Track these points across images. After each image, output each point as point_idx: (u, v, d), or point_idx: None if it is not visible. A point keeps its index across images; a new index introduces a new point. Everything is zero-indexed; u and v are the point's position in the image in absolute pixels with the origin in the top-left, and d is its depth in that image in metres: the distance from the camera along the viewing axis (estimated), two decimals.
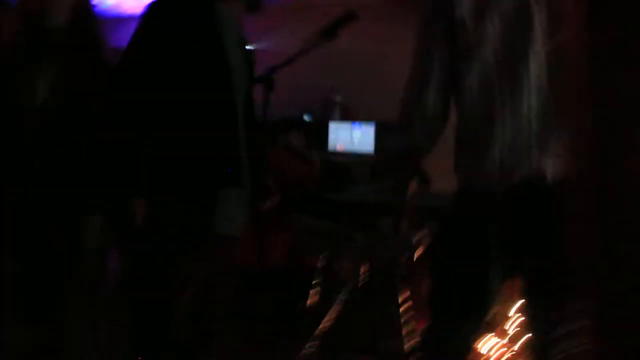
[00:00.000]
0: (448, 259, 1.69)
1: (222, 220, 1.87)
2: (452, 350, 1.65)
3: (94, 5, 2.02)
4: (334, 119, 4.03)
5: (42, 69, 1.78)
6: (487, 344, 3.16)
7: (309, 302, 3.19)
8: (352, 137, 3.98)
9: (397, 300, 2.82)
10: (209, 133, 1.80)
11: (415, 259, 2.71)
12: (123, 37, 1.94)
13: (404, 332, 2.74)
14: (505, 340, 3.04)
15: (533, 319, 1.71)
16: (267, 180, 3.00)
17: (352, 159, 3.87)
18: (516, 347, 2.49)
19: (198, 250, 1.84)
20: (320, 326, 3.00)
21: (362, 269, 3.30)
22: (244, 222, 2.00)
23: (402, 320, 2.78)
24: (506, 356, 3.01)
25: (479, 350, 3.14)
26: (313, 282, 3.23)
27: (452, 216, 1.70)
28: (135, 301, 1.86)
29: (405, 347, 2.65)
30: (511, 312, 3.13)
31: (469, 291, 1.61)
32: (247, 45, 2.05)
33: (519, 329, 2.95)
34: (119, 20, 4.50)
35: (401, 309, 2.81)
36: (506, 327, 3.05)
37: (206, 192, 1.83)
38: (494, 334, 3.17)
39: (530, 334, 1.76)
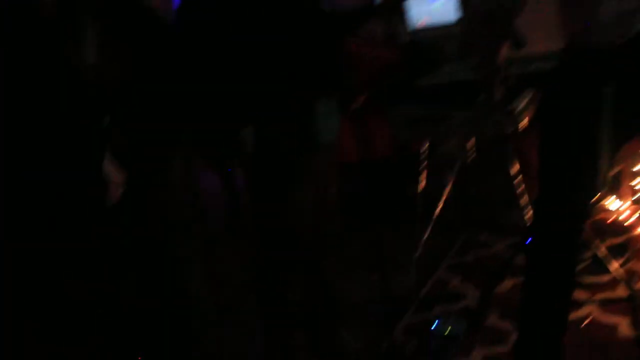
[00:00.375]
0: (556, 124, 1.60)
1: (318, 130, 1.89)
2: (568, 217, 1.60)
3: None
4: None
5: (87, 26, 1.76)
6: (613, 204, 3.04)
7: (420, 187, 3.21)
8: (432, 8, 3.73)
9: (509, 173, 2.75)
10: (283, 47, 1.76)
11: (520, 129, 2.59)
12: None
13: (520, 204, 2.69)
14: (633, 199, 2.91)
15: None
16: (350, 81, 2.94)
17: (438, 32, 3.66)
18: None
19: (306, 164, 1.89)
20: (437, 209, 3.03)
21: (468, 147, 3.23)
22: (337, 127, 2.00)
23: (517, 193, 2.72)
24: (636, 215, 2.90)
25: (606, 209, 3.04)
26: (420, 168, 3.22)
27: (559, 78, 1.58)
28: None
29: (525, 218, 2.61)
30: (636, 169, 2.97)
31: (580, 155, 1.52)
32: None
33: None
34: None
35: (515, 182, 2.75)
36: (633, 184, 2.91)
37: (299, 106, 1.84)
38: (617, 194, 3.04)
39: None
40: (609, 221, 3.01)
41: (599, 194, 1.57)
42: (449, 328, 2.19)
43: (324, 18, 1.90)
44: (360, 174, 3.38)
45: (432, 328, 2.24)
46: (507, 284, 2.52)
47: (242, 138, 1.84)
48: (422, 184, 3.16)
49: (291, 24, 1.78)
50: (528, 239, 2.60)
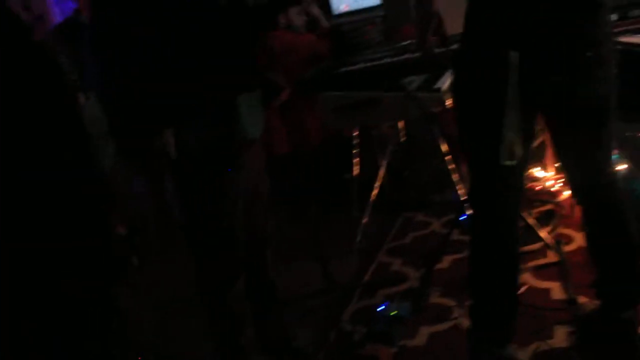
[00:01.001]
0: (464, 97, 1.63)
1: (245, 126, 1.85)
2: (494, 186, 1.65)
3: None
4: None
5: None
6: (539, 173, 3.16)
7: (354, 172, 3.23)
8: None
9: (441, 152, 2.81)
10: (204, 42, 1.71)
11: (446, 108, 2.65)
12: None
13: (454, 182, 2.76)
14: (556, 166, 3.03)
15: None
16: (272, 76, 2.90)
17: (360, 17, 3.67)
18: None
19: (235, 160, 1.85)
20: (373, 192, 3.06)
21: (399, 129, 3.28)
22: (262, 121, 1.97)
23: (447, 171, 2.79)
24: (556, 186, 3.02)
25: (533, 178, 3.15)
26: (353, 152, 3.24)
27: (464, 50, 1.61)
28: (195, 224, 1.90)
29: (459, 195, 2.68)
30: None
31: (488, 127, 1.55)
32: None
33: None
34: None
35: (444, 161, 2.81)
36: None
37: (223, 104, 1.79)
38: (542, 164, 3.16)
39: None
40: (537, 189, 3.14)
41: (516, 164, 1.58)
42: (395, 311, 2.22)
43: (240, 9, 1.85)
44: (294, 165, 3.37)
45: (378, 312, 2.27)
46: (446, 261, 2.59)
47: (165, 140, 1.78)
48: (356, 169, 3.19)
49: (205, 16, 1.72)
50: (461, 215, 2.68)
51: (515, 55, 1.45)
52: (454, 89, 1.76)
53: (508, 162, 1.52)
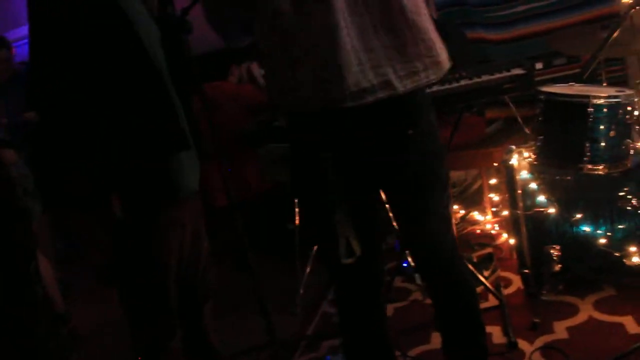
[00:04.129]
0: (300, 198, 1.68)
1: (179, 180, 1.81)
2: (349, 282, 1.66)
3: None
4: None
5: None
6: (477, 217, 3.21)
7: (296, 222, 3.20)
8: None
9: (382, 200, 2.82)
10: (135, 100, 1.68)
11: None
12: None
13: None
14: (493, 210, 3.09)
15: None
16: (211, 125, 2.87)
17: None
18: None
19: (170, 214, 1.80)
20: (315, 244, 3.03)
21: None
22: (197, 175, 1.94)
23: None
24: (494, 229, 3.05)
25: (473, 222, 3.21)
26: (295, 202, 3.22)
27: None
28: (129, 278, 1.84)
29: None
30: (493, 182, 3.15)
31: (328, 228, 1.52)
32: None
33: None
34: None
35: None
36: (491, 197, 3.09)
37: (156, 160, 1.76)
38: (479, 208, 3.22)
39: None
40: (476, 233, 3.19)
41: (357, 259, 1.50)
42: None
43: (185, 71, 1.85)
44: (235, 216, 3.31)
45: None
46: (389, 309, 2.57)
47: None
48: (297, 219, 3.17)
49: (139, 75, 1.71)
50: (403, 262, 2.69)
51: (327, 156, 1.44)
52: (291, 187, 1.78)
53: (348, 260, 1.49)
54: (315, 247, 2.99)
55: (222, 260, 2.73)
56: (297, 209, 3.14)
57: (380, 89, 1.37)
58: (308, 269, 2.97)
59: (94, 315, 3.30)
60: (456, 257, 1.66)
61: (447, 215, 1.65)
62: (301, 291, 2.90)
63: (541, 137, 2.25)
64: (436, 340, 2.09)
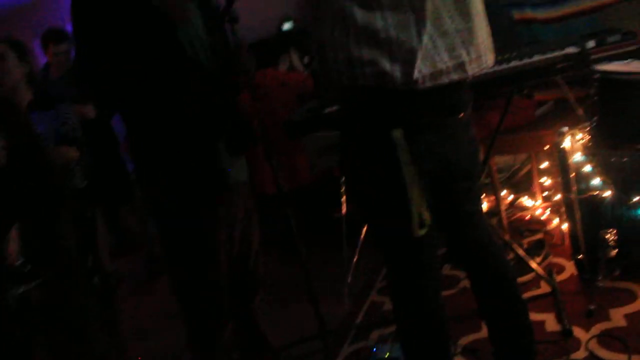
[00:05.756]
0: (362, 180, 1.59)
1: (226, 172, 1.83)
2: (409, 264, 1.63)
3: None
4: None
5: None
6: (527, 202, 3.14)
7: (343, 211, 3.20)
8: None
9: None
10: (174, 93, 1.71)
11: None
12: None
13: None
14: (543, 195, 3.01)
15: None
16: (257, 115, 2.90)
17: None
18: None
19: (218, 205, 1.83)
20: (362, 232, 3.02)
21: None
22: (244, 165, 1.96)
23: None
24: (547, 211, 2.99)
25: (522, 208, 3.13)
26: (341, 191, 3.21)
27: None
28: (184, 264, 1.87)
29: None
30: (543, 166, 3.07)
31: (399, 207, 1.50)
32: None
33: None
34: None
35: None
36: (542, 181, 3.01)
37: (202, 150, 1.78)
38: (529, 193, 3.15)
39: None
40: (526, 219, 3.12)
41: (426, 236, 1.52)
42: (388, 352, 2.17)
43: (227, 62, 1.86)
44: (284, 205, 3.35)
45: (372, 354, 2.22)
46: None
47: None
48: (344, 208, 3.16)
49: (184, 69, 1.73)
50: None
51: (399, 134, 1.44)
52: (345, 166, 1.74)
53: (421, 232, 1.49)
54: (364, 233, 2.98)
55: (271, 250, 2.76)
56: (344, 198, 3.14)
57: (454, 71, 1.41)
58: (356, 258, 2.96)
59: (146, 307, 3.39)
60: (492, 245, 1.68)
61: (480, 205, 1.71)
62: (349, 280, 2.90)
63: (596, 117, 2.17)
64: (487, 329, 2.05)
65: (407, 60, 1.38)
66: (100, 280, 2.42)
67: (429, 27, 1.38)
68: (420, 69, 1.38)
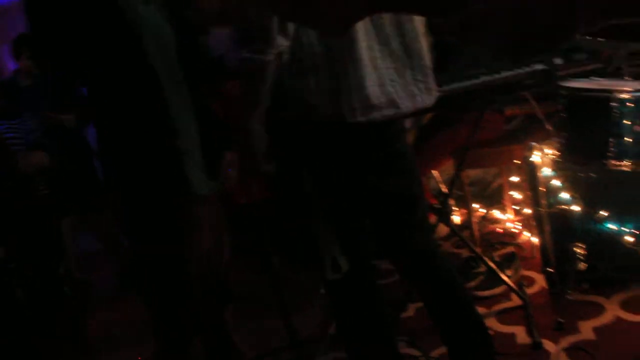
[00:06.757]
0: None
1: (194, 178, 1.80)
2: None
3: None
4: None
5: None
6: (499, 216, 3.17)
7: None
8: None
9: None
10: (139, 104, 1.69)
11: None
12: None
13: None
14: (514, 208, 3.04)
15: None
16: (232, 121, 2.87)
17: None
18: None
19: (185, 212, 1.80)
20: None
21: None
22: (213, 173, 1.94)
23: None
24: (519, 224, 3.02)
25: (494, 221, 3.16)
26: None
27: None
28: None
29: None
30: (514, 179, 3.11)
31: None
32: None
33: None
34: None
35: None
36: (512, 194, 3.03)
37: (167, 161, 1.75)
38: (501, 206, 3.18)
39: None
40: (497, 231, 3.15)
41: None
42: None
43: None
44: (255, 216, 3.32)
45: None
46: (412, 309, 2.55)
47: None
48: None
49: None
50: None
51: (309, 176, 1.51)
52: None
53: (335, 276, 1.54)
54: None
55: (243, 260, 2.73)
56: None
57: (387, 107, 1.46)
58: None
59: (117, 317, 3.33)
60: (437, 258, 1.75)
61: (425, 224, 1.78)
62: (322, 291, 2.89)
63: (564, 133, 2.21)
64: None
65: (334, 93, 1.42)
66: (70, 289, 2.37)
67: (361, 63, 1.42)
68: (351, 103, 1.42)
